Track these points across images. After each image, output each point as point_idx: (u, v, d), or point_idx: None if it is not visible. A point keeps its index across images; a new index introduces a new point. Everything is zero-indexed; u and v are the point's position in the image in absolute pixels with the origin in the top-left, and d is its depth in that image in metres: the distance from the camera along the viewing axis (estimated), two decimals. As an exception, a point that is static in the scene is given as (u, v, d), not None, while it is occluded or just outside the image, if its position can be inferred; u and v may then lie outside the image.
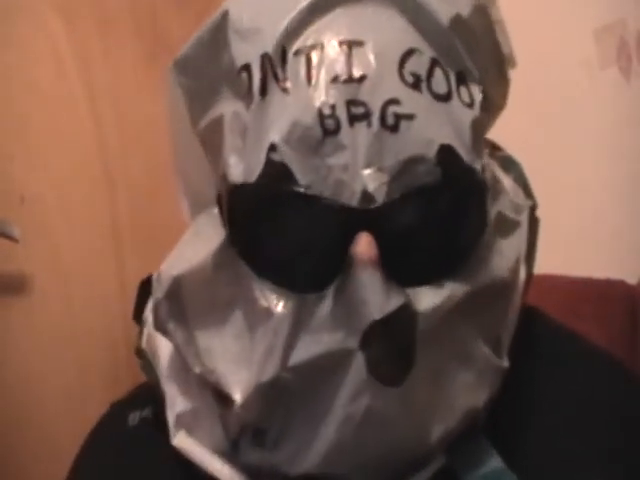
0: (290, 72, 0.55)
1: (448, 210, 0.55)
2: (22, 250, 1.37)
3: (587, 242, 1.33)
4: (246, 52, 0.57)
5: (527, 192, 0.67)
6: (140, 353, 0.66)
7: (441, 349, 0.55)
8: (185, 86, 0.61)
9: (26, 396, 1.38)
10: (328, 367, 0.53)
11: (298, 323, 0.54)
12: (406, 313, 0.52)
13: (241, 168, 0.55)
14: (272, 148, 0.53)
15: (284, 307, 0.54)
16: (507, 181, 0.66)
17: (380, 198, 0.53)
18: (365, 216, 0.53)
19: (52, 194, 1.45)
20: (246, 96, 0.56)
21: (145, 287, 0.66)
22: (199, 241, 0.59)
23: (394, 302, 0.52)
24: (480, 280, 0.56)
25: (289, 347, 0.54)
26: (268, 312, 0.55)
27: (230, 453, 0.57)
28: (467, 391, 0.56)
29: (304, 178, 0.53)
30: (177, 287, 0.58)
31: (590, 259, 1.39)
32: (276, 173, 0.53)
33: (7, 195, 1.40)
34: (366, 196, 0.53)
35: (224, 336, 0.57)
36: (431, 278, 0.55)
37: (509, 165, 0.68)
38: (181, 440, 0.60)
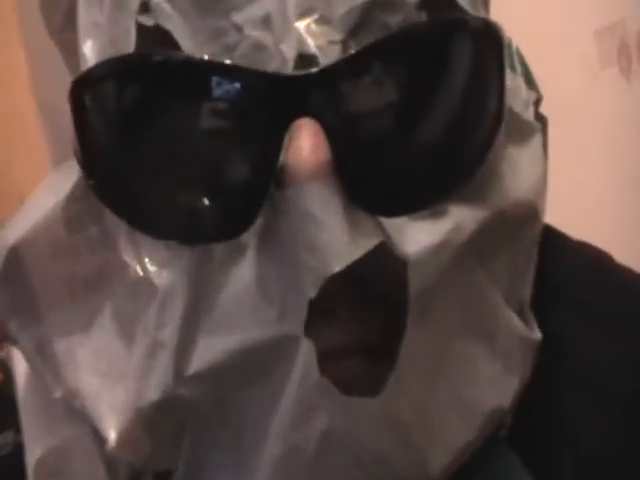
0: None
1: (445, 77, 0.34)
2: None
3: (586, 239, 1.33)
4: None
5: (528, 80, 0.43)
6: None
7: (447, 319, 0.34)
8: None
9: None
10: (254, 370, 0.33)
11: (198, 301, 0.33)
12: (385, 262, 0.32)
13: (96, 50, 0.35)
14: (144, 8, 0.33)
15: (173, 275, 0.33)
16: None
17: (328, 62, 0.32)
18: (304, 88, 0.32)
19: (52, 195, 1.45)
20: None
21: None
22: (49, 194, 0.37)
23: (363, 244, 0.31)
24: (498, 203, 0.35)
25: (185, 344, 0.33)
26: (148, 286, 0.33)
27: None
28: (488, 383, 0.35)
29: (197, 48, 0.33)
30: (16, 263, 0.35)
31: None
32: (150, 46, 0.34)
33: (7, 196, 1.40)
34: (304, 61, 0.32)
35: (91, 335, 0.35)
36: (424, 201, 0.34)
37: None
38: None
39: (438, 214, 0.33)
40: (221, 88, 0.32)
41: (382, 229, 0.32)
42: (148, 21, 0.33)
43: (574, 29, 1.48)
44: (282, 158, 0.32)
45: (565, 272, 0.42)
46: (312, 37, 0.32)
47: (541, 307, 0.39)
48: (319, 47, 0.32)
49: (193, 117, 0.32)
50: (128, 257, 0.34)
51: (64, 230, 0.36)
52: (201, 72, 0.32)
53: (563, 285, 0.42)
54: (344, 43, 0.32)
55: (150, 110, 0.33)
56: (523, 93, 0.41)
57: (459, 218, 0.34)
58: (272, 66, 0.32)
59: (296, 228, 0.31)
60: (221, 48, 0.32)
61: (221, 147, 0.33)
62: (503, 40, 0.35)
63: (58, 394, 0.36)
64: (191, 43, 0.33)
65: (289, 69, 0.32)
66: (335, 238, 0.30)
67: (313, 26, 0.32)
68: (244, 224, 0.32)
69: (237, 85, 0.32)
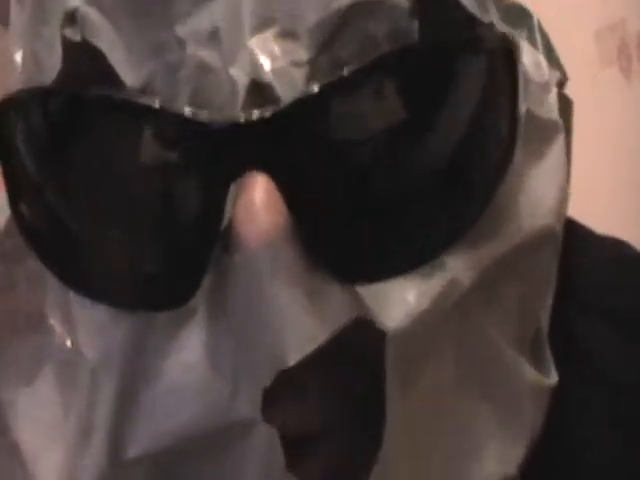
0: None
1: (439, 114, 0.27)
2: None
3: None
4: None
5: (550, 58, 0.36)
6: None
7: (440, 384, 0.28)
8: None
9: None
10: (205, 453, 0.27)
11: (137, 375, 0.27)
12: (360, 336, 0.26)
13: (22, 64, 0.29)
14: (69, 19, 0.27)
15: (106, 345, 0.27)
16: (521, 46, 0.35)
17: (288, 95, 0.25)
18: (251, 137, 0.25)
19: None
20: None
21: None
22: None
23: (331, 321, 0.25)
24: (505, 241, 0.29)
25: (120, 428, 0.27)
26: (78, 356, 0.28)
27: None
28: (491, 452, 0.29)
29: (133, 73, 0.26)
30: None
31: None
32: (77, 67, 0.27)
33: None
34: (258, 93, 0.26)
35: (34, 386, 0.30)
36: (410, 262, 0.27)
37: (519, 18, 0.37)
38: None
39: (429, 268, 0.27)
40: (151, 136, 0.26)
41: (357, 299, 0.26)
42: (75, 35, 0.27)
43: (574, 29, 1.48)
44: (230, 216, 0.25)
45: (588, 274, 0.36)
46: (270, 58, 0.25)
47: (561, 311, 0.33)
48: (278, 73, 0.25)
49: (124, 165, 0.27)
50: (55, 320, 0.29)
51: (0, 264, 0.31)
52: (127, 117, 0.26)
53: (585, 288, 0.36)
54: (312, 63, 0.26)
55: (75, 154, 0.27)
56: (544, 74, 0.34)
57: (456, 270, 0.27)
58: (221, 94, 0.26)
59: (246, 303, 0.25)
60: (162, 67, 0.26)
61: (155, 204, 0.27)
62: (518, 60, 0.29)
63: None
64: (126, 62, 0.26)
65: (239, 101, 0.25)
66: (293, 319, 0.24)
67: (272, 43, 0.25)
68: (187, 292, 0.26)
69: (170, 134, 0.26)
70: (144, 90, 0.26)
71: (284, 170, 0.25)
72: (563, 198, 0.32)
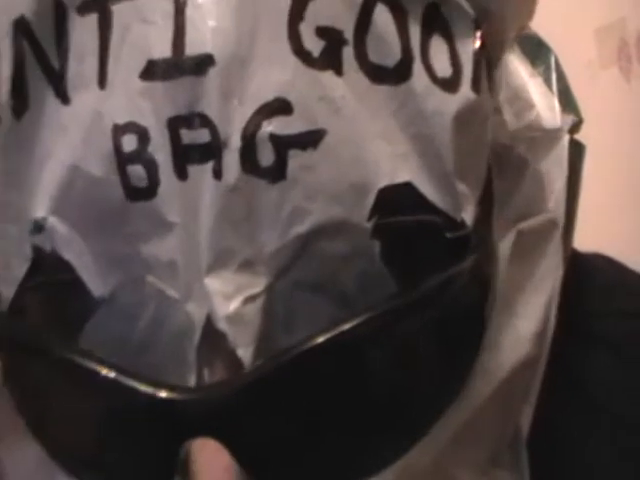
0: (73, 54, 0.27)
1: (400, 363, 0.28)
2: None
3: (587, 242, 1.33)
4: None
5: (565, 98, 0.35)
6: None
7: None
8: None
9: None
10: None
11: None
12: None
13: None
14: (37, 228, 0.28)
15: None
16: (535, 87, 0.35)
17: (243, 343, 0.26)
18: (199, 416, 0.26)
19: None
20: None
21: None
22: None
23: None
24: (475, 402, 0.30)
25: None
26: None
27: None
28: None
29: (100, 284, 0.27)
30: None
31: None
32: (49, 279, 0.28)
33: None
34: (212, 340, 0.26)
35: (26, 449, 0.31)
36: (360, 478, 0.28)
37: (537, 53, 0.36)
38: None
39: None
40: (109, 396, 0.27)
41: None
42: (45, 244, 0.27)
43: (574, 29, 1.48)
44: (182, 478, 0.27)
45: (584, 303, 0.36)
46: (224, 299, 0.26)
47: (560, 341, 0.33)
48: (232, 319, 0.26)
49: (84, 403, 0.28)
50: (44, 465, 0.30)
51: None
52: (83, 378, 0.27)
53: (582, 317, 0.36)
54: (269, 290, 0.26)
55: (43, 385, 0.29)
56: (557, 119, 0.34)
57: (417, 454, 0.28)
58: (178, 329, 0.26)
59: None
60: (126, 282, 0.26)
61: (114, 455, 0.28)
62: (489, 288, 0.29)
63: None
64: (94, 272, 0.27)
65: (192, 343, 0.26)
66: None
67: (227, 283, 0.26)
68: None
69: (123, 399, 0.27)
70: (112, 299, 0.27)
71: (232, 437, 0.26)
72: (550, 309, 0.32)
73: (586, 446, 0.34)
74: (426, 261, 0.27)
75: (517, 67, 0.35)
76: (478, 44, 0.28)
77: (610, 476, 0.33)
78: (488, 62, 0.30)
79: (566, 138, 0.34)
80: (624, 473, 0.34)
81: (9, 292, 0.29)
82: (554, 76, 0.36)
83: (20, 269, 0.28)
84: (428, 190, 0.27)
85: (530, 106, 0.34)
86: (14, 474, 0.31)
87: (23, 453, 0.31)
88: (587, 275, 0.37)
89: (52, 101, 0.27)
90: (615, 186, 1.46)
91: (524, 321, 0.31)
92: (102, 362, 0.27)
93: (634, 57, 1.54)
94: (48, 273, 0.28)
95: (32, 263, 0.28)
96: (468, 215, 0.28)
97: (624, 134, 1.49)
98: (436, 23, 0.28)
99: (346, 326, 0.26)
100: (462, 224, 0.28)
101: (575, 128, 0.36)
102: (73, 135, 0.27)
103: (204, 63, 0.25)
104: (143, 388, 0.26)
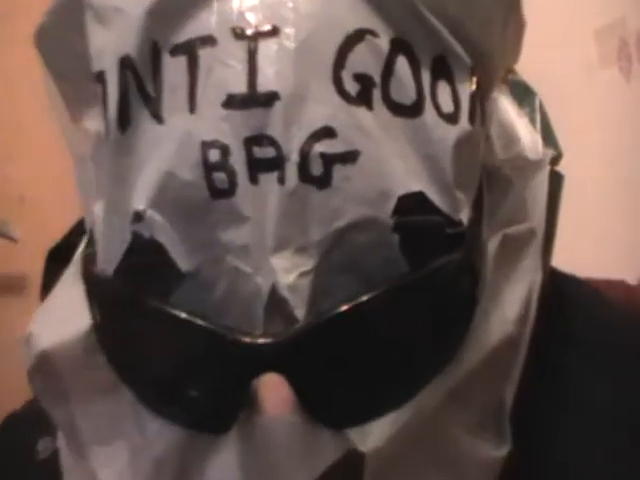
0: (166, 86, 0.35)
1: (411, 325, 0.37)
2: (22, 250, 1.37)
3: (587, 242, 1.33)
4: (101, 48, 0.37)
5: (547, 135, 0.45)
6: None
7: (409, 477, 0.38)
8: (53, 67, 0.40)
9: (28, 397, 1.37)
10: None
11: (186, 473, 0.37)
12: (342, 460, 0.36)
13: (101, 244, 0.38)
14: (137, 218, 0.35)
15: (164, 447, 0.37)
16: (521, 125, 0.45)
17: (299, 305, 0.34)
18: (269, 355, 0.34)
19: (52, 194, 1.44)
20: (104, 120, 0.37)
21: (55, 257, 0.50)
22: (70, 304, 0.41)
23: (325, 458, 0.35)
24: (475, 357, 0.38)
25: None
26: (147, 445, 0.38)
27: None
28: None
29: (187, 262, 0.35)
30: (47, 362, 0.41)
31: (590, 259, 1.39)
32: (144, 258, 0.36)
33: (7, 195, 1.40)
34: (276, 301, 0.34)
35: (98, 405, 0.40)
36: (381, 411, 0.36)
37: (524, 96, 0.46)
38: None
39: (395, 414, 0.36)
40: (196, 338, 0.35)
41: (344, 439, 0.36)
42: (144, 231, 0.35)
43: (574, 29, 1.48)
44: (252, 392, 0.35)
45: (567, 311, 0.46)
46: (285, 273, 0.34)
47: (544, 342, 0.42)
48: (291, 288, 0.34)
49: (177, 350, 0.36)
50: (132, 412, 0.38)
51: (82, 353, 0.40)
52: (178, 324, 0.35)
53: (565, 323, 0.45)
54: (316, 270, 0.34)
55: (140, 332, 0.37)
56: (539, 152, 0.44)
57: (420, 403, 0.36)
58: (249, 295, 0.34)
59: (264, 447, 0.35)
60: (208, 260, 0.35)
61: (201, 375, 0.36)
62: (479, 273, 0.38)
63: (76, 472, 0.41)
64: (181, 253, 0.35)
65: (262, 304, 0.34)
66: (292, 462, 0.35)
67: (286, 261, 0.34)
68: (222, 427, 0.36)
69: (208, 341, 0.35)
70: (196, 274, 0.35)
71: (296, 376, 0.35)
72: (527, 306, 0.40)
73: (559, 426, 0.42)
74: (432, 250, 0.36)
75: (507, 107, 0.44)
76: (474, 87, 0.37)
77: (581, 453, 0.42)
78: (481, 99, 0.38)
79: (547, 169, 0.44)
80: (593, 450, 0.42)
81: (109, 269, 0.37)
82: (538, 116, 0.45)
83: (120, 251, 0.36)
84: (435, 197, 0.36)
85: (517, 140, 0.43)
86: (86, 429, 0.40)
87: (96, 409, 0.39)
88: (566, 289, 0.46)
89: (148, 120, 0.35)
90: (615, 186, 1.46)
91: (508, 306, 0.39)
92: (193, 312, 0.35)
93: (634, 57, 1.54)
94: (143, 254, 0.36)
95: (129, 247, 0.36)
96: (464, 216, 0.37)
97: (624, 134, 1.49)
98: (442, 71, 0.36)
99: (370, 295, 0.35)
100: (459, 223, 0.36)
101: (555, 160, 0.44)
102: (167, 148, 0.35)
103: (272, 98, 0.34)
104: (226, 333, 0.34)
